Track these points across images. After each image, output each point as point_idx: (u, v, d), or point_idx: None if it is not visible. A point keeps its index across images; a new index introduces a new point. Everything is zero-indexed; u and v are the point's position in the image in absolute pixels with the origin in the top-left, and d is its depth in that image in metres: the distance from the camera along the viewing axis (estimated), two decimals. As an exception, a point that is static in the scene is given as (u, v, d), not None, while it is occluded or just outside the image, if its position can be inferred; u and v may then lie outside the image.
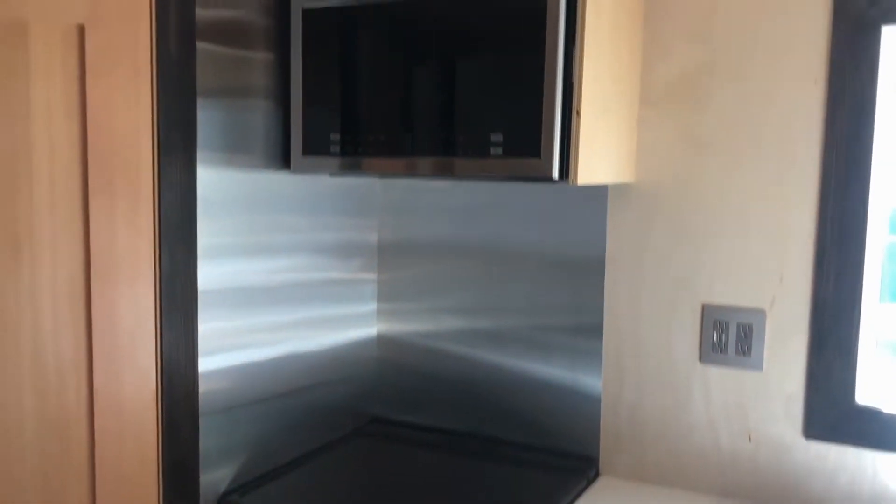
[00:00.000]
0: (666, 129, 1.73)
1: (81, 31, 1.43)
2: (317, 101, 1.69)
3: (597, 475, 1.84)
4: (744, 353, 1.68)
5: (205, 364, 1.63)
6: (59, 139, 1.42)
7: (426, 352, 2.04)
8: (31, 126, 1.39)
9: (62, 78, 1.42)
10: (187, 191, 1.57)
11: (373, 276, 2.08)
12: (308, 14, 1.68)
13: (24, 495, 1.54)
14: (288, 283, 1.83)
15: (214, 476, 1.63)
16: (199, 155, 1.58)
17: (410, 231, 2.04)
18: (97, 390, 1.51)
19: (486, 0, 1.49)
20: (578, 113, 1.46)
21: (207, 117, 1.60)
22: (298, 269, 1.86)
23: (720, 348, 1.70)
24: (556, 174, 1.46)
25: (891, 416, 1.59)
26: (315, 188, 1.88)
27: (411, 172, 1.60)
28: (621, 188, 1.78)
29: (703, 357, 1.73)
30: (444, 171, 1.57)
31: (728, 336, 1.69)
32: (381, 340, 2.10)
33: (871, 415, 1.60)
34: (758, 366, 1.68)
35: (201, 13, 1.57)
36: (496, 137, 1.50)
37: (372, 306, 2.08)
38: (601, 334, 1.83)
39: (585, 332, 1.84)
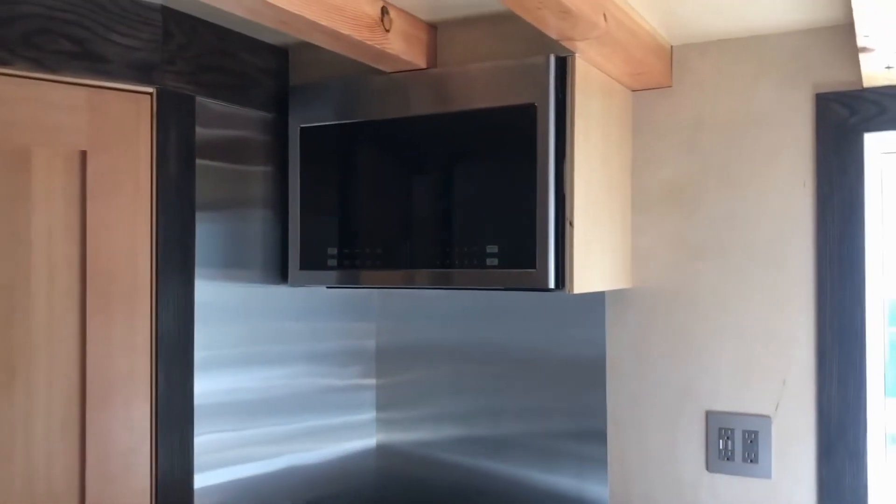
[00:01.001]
0: (659, 236, 1.75)
1: (83, 156, 1.46)
2: (314, 215, 1.71)
3: (607, 592, 1.78)
4: (751, 461, 1.65)
5: (200, 480, 1.60)
6: (59, 262, 1.43)
7: (426, 462, 2.00)
8: (32, 250, 1.40)
9: (63, 202, 1.44)
10: (185, 308, 1.57)
11: (371, 381, 2.06)
12: (305, 132, 1.72)
13: None
14: (285, 393, 1.81)
15: None
16: (197, 271, 1.60)
17: (409, 336, 2.03)
18: (89, 515, 1.47)
19: (478, 117, 1.54)
20: (571, 224, 1.48)
21: (206, 232, 1.62)
22: (296, 378, 1.84)
23: (727, 456, 1.67)
24: (551, 284, 1.47)
25: (906, 523, 1.54)
26: (312, 296, 1.89)
27: (408, 284, 1.61)
28: (619, 294, 1.79)
29: (710, 465, 1.69)
30: (441, 283, 1.57)
31: (734, 443, 1.66)
32: (381, 451, 2.06)
33: (886, 523, 1.55)
34: (766, 473, 1.64)
35: (201, 132, 1.62)
36: (492, 249, 1.52)
37: (371, 415, 2.06)
38: (605, 441, 1.79)
39: (589, 438, 1.81)
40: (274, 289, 1.78)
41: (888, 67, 1.43)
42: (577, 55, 1.47)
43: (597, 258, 1.59)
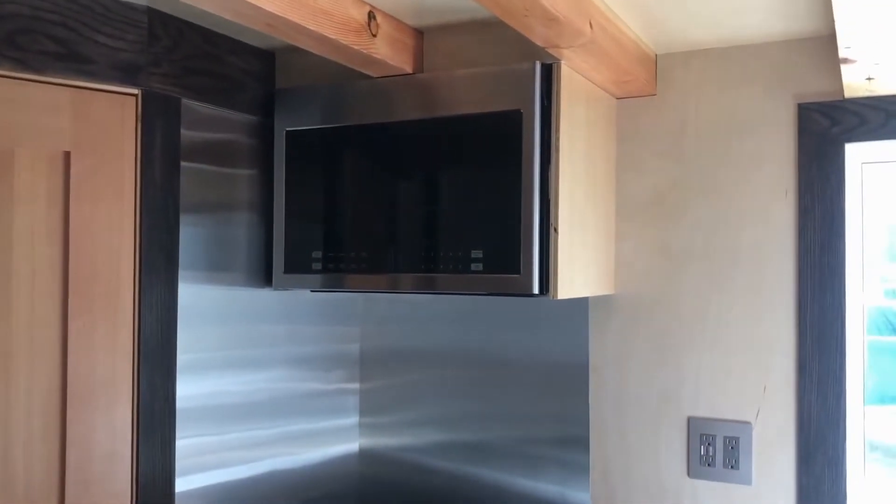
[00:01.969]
0: (643, 243, 1.76)
1: (67, 157, 1.45)
2: (299, 219, 1.71)
3: None
4: (732, 467, 1.66)
5: (182, 485, 1.59)
6: (41, 264, 1.42)
7: (409, 467, 2.00)
8: (13, 252, 1.39)
9: (46, 203, 1.43)
10: (167, 311, 1.56)
11: (355, 386, 2.06)
12: (291, 135, 1.72)
13: None
14: (268, 397, 1.81)
15: None
16: (181, 274, 1.59)
17: (393, 341, 2.03)
18: (68, 520, 1.46)
19: (463, 122, 1.54)
20: (556, 229, 1.48)
21: (190, 234, 1.61)
22: (279, 382, 1.84)
23: (708, 462, 1.68)
24: (536, 289, 1.48)
25: (884, 529, 1.56)
26: (296, 300, 1.88)
27: (393, 289, 1.61)
28: (602, 300, 1.80)
29: (692, 471, 1.70)
30: (426, 287, 1.58)
31: (715, 449, 1.67)
32: (364, 455, 2.06)
33: (865, 529, 1.57)
34: (747, 480, 1.65)
35: (186, 134, 1.61)
36: (476, 254, 1.52)
37: (354, 419, 2.05)
38: (587, 446, 1.80)
39: (572, 443, 1.81)
40: (258, 292, 1.78)
41: (869, 79, 1.45)
42: (562, 62, 1.48)
43: (581, 264, 1.60)
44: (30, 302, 1.41)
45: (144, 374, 1.52)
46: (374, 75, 1.64)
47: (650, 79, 1.72)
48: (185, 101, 1.60)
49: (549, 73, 1.49)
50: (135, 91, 1.53)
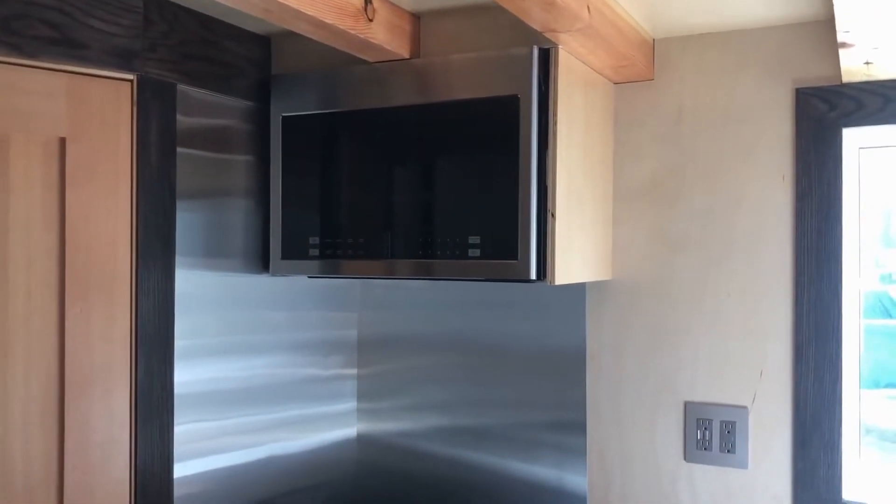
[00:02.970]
0: (640, 229, 1.76)
1: (62, 143, 1.44)
2: (296, 205, 1.71)
3: (585, 580, 1.79)
4: (728, 451, 1.67)
5: (180, 470, 1.60)
6: (37, 251, 1.42)
7: (407, 452, 2.00)
8: (9, 239, 1.39)
9: (41, 189, 1.42)
10: (165, 298, 1.56)
11: (353, 371, 2.06)
12: (287, 121, 1.72)
13: None
14: (266, 382, 1.81)
15: (189, 593, 1.57)
16: (178, 260, 1.59)
17: (390, 326, 2.04)
18: (67, 506, 1.46)
19: (460, 108, 1.54)
20: (553, 215, 1.48)
21: (187, 220, 1.61)
22: (277, 367, 1.84)
23: (704, 446, 1.69)
24: (533, 275, 1.48)
25: (879, 512, 1.57)
26: (294, 285, 1.88)
27: (390, 275, 1.61)
28: (599, 285, 1.80)
29: (688, 455, 1.71)
30: (423, 273, 1.58)
31: (712, 433, 1.68)
32: (362, 441, 2.06)
33: (860, 512, 1.58)
34: (743, 464, 1.66)
35: (182, 120, 1.60)
36: (474, 240, 1.52)
37: (352, 404, 2.06)
38: (585, 431, 1.81)
39: (569, 428, 1.82)
40: (255, 278, 1.78)
41: (867, 63, 1.44)
42: (560, 47, 1.48)
43: (578, 250, 1.60)
44: (26, 289, 1.41)
45: (142, 360, 1.52)
46: (371, 60, 1.63)
47: (648, 64, 1.71)
48: (180, 86, 1.59)
49: (547, 58, 1.48)
50: (130, 76, 1.52)
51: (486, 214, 1.51)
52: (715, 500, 1.69)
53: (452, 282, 1.95)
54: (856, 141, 1.65)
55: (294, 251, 1.70)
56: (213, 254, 1.68)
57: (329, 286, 1.99)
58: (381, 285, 2.05)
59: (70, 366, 1.45)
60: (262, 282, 1.79)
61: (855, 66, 1.47)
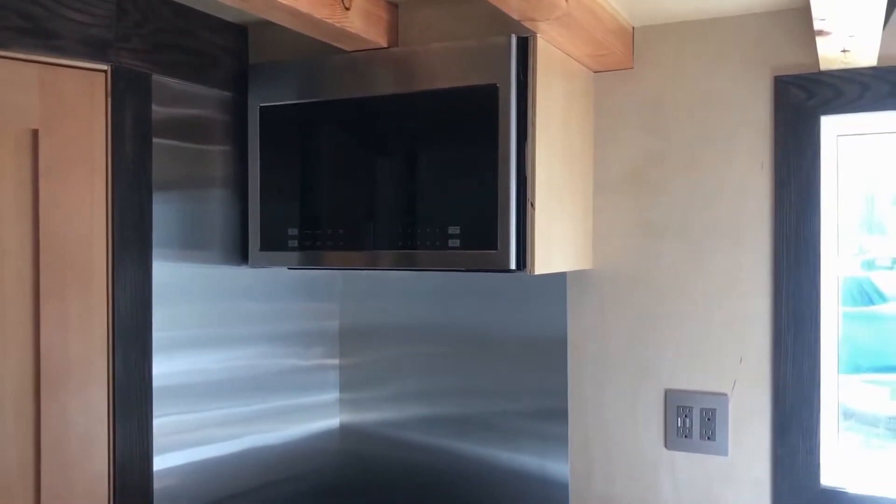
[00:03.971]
0: (620, 217, 1.76)
1: (35, 135, 1.42)
2: (274, 196, 1.69)
3: (567, 568, 1.80)
4: (708, 438, 1.68)
5: (160, 462, 1.59)
6: (10, 244, 1.40)
7: (390, 442, 2.00)
8: (-19, 231, 1.37)
9: (14, 182, 1.40)
10: (142, 290, 1.55)
11: (335, 362, 2.06)
12: (265, 111, 1.70)
13: None
14: (247, 374, 1.80)
15: (170, 586, 1.56)
16: (155, 252, 1.57)
17: (371, 317, 2.03)
18: (45, 501, 1.45)
19: (439, 97, 1.53)
20: (533, 205, 1.48)
21: (164, 211, 1.59)
22: (258, 359, 1.83)
23: (685, 434, 1.70)
24: (513, 265, 1.48)
25: (856, 496, 1.59)
26: (274, 277, 1.87)
27: (370, 265, 1.60)
28: (580, 274, 1.80)
29: (669, 443, 1.72)
30: (404, 264, 1.57)
31: (692, 421, 1.69)
32: (344, 431, 2.06)
33: (837, 497, 1.60)
34: (723, 451, 1.67)
35: (158, 110, 1.58)
36: (454, 230, 1.52)
37: (334, 395, 2.05)
38: (566, 419, 1.81)
39: (551, 416, 1.83)
40: (234, 269, 1.76)
41: (844, 51, 1.45)
42: (538, 36, 1.47)
43: (558, 239, 1.60)
44: (0, 283, 1.39)
45: (119, 353, 1.51)
46: (348, 49, 1.62)
47: (627, 52, 1.71)
48: (155, 76, 1.58)
49: (525, 47, 1.48)
50: (104, 67, 1.50)
51: (466, 204, 1.51)
52: (695, 486, 1.70)
53: (433, 272, 1.94)
54: (834, 129, 1.66)
55: (273, 242, 1.69)
56: (192, 245, 1.67)
57: (310, 277, 1.98)
58: (362, 276, 2.04)
59: (46, 360, 1.43)
60: (242, 273, 1.78)
61: (832, 53, 1.47)
